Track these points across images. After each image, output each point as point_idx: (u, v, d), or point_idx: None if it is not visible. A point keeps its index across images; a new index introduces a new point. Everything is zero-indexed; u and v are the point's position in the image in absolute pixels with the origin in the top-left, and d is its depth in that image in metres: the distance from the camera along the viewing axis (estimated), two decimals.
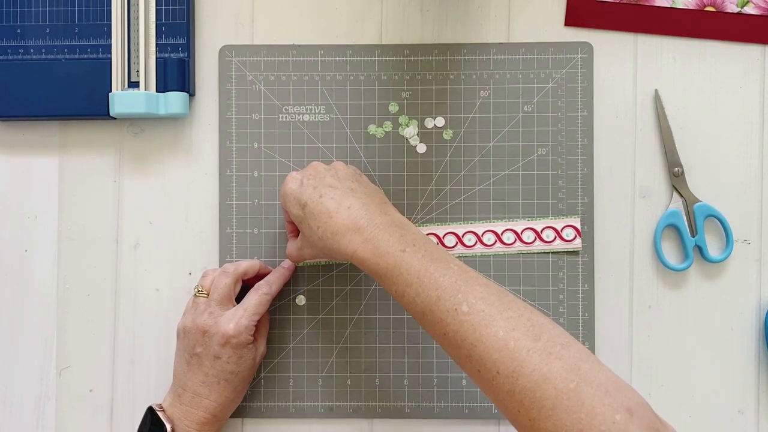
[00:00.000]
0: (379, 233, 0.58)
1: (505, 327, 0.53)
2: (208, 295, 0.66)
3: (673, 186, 0.71)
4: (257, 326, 0.66)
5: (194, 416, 0.64)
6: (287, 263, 0.70)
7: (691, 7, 0.71)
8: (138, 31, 0.70)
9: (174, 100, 0.70)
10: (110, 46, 0.70)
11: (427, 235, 0.70)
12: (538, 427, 0.50)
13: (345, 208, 0.59)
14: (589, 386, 0.50)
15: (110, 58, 0.70)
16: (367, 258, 0.58)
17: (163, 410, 0.65)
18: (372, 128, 0.71)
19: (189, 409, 0.64)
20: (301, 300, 0.71)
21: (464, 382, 0.70)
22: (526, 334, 0.53)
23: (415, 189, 0.71)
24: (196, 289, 0.67)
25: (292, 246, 0.66)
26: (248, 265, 0.68)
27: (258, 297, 0.66)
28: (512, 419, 0.53)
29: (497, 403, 0.53)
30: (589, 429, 0.49)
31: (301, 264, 0.71)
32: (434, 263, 0.57)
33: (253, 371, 0.67)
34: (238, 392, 0.66)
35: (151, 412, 0.65)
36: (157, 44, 0.70)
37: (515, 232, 0.71)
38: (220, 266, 0.71)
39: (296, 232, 0.67)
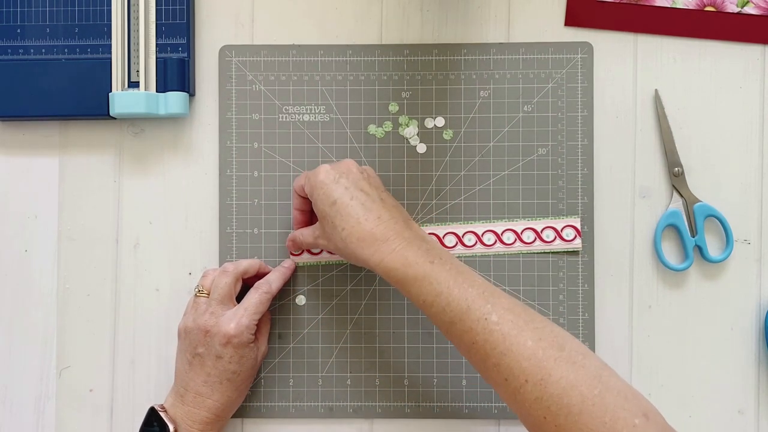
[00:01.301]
0: (407, 245, 0.59)
1: (533, 337, 0.55)
2: (208, 294, 0.66)
3: (673, 186, 0.71)
4: (258, 325, 0.66)
5: (197, 416, 0.64)
6: (288, 263, 0.70)
7: (691, 7, 0.71)
8: (138, 31, 0.70)
9: (174, 100, 0.70)
10: (110, 46, 0.70)
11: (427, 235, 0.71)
12: None
13: (375, 217, 0.60)
14: (611, 392, 0.52)
15: (110, 58, 0.70)
16: (395, 268, 0.58)
17: (165, 410, 0.65)
18: (372, 128, 0.71)
19: (191, 409, 0.64)
20: (301, 300, 0.71)
21: (464, 382, 0.70)
22: (552, 344, 0.54)
23: (415, 189, 0.71)
24: (196, 289, 0.67)
25: (308, 232, 0.66)
26: (248, 264, 0.68)
27: (258, 296, 0.66)
28: (536, 427, 0.54)
29: (521, 411, 0.54)
30: None
31: (301, 264, 0.71)
32: (461, 275, 0.58)
33: (255, 371, 0.67)
34: (240, 392, 0.66)
35: (153, 412, 0.65)
36: (157, 44, 0.70)
37: (515, 232, 0.71)
38: (220, 266, 0.71)
39: (304, 222, 0.68)
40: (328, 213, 0.61)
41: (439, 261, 0.58)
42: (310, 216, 0.68)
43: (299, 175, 0.67)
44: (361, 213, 0.60)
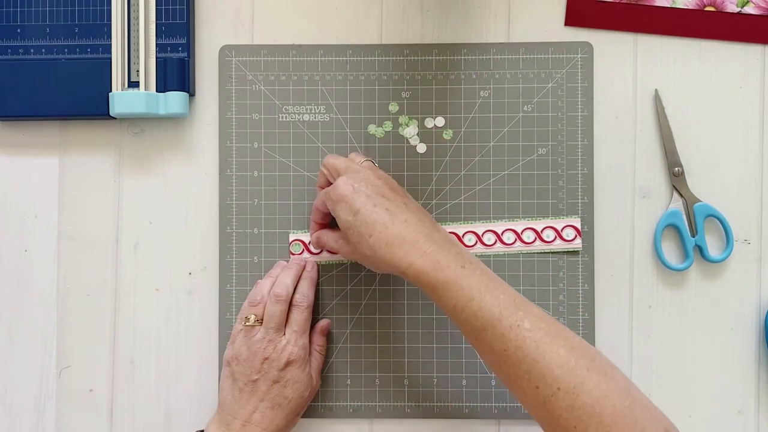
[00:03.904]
0: (437, 248, 0.58)
1: (566, 345, 0.55)
2: (260, 322, 0.66)
3: (673, 186, 0.71)
4: (312, 362, 0.68)
5: None
6: (310, 266, 0.69)
7: (691, 7, 0.71)
8: (138, 31, 0.70)
9: (174, 100, 0.70)
10: (110, 46, 0.70)
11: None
12: None
13: (401, 221, 0.59)
14: (639, 406, 0.53)
15: (110, 58, 0.70)
16: (426, 271, 0.57)
17: None
18: (372, 128, 0.71)
19: None
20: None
21: (464, 381, 0.70)
22: (583, 354, 0.55)
23: (415, 189, 0.71)
24: (247, 319, 0.66)
25: (331, 237, 0.65)
26: (291, 284, 0.67)
27: (302, 314, 0.67)
28: None
29: (550, 420, 0.54)
30: None
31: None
32: (492, 282, 0.57)
33: (304, 401, 0.67)
34: (288, 421, 0.66)
35: None
36: (157, 44, 0.70)
37: (515, 232, 0.71)
38: (220, 266, 0.71)
39: (321, 227, 0.67)
40: (352, 223, 0.60)
41: (470, 266, 0.58)
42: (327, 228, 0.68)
43: (319, 194, 0.66)
44: (386, 218, 0.59)
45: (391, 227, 0.59)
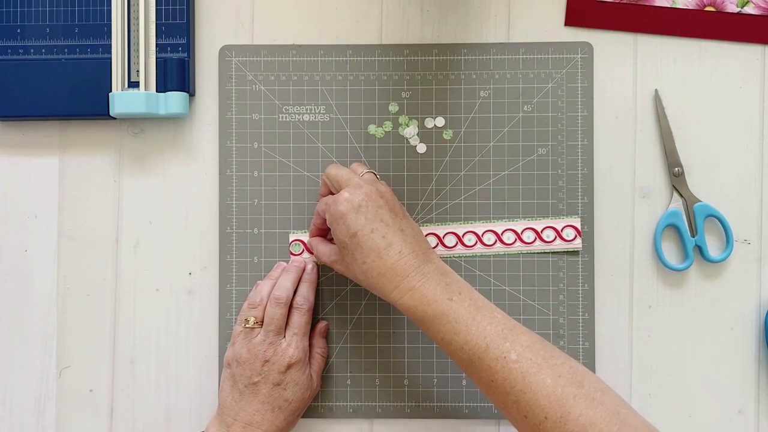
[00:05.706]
0: (426, 281, 0.59)
1: (552, 374, 0.55)
2: (260, 324, 0.66)
3: (673, 186, 0.71)
4: (312, 363, 0.68)
5: None
6: (310, 267, 0.69)
7: (691, 7, 0.71)
8: (138, 31, 0.70)
9: (174, 100, 0.70)
10: (110, 46, 0.70)
11: (427, 235, 0.71)
12: None
13: (396, 252, 0.59)
14: (629, 429, 0.53)
15: (110, 58, 0.70)
16: (413, 305, 0.58)
17: None
18: (372, 128, 0.71)
19: None
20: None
21: (464, 382, 0.70)
22: (571, 381, 0.55)
23: (415, 189, 0.71)
24: (246, 321, 0.66)
25: (325, 252, 0.66)
26: (291, 287, 0.67)
27: (303, 317, 0.67)
28: None
29: None
30: None
31: None
32: (480, 312, 0.58)
33: (304, 403, 0.67)
34: (288, 422, 0.66)
35: None
36: (157, 44, 0.70)
37: (515, 232, 0.71)
38: (220, 266, 0.71)
39: (323, 234, 0.68)
40: (348, 244, 0.60)
41: (458, 297, 0.58)
42: (327, 232, 0.68)
43: (321, 200, 0.66)
44: (382, 246, 0.59)
45: (386, 258, 0.59)
